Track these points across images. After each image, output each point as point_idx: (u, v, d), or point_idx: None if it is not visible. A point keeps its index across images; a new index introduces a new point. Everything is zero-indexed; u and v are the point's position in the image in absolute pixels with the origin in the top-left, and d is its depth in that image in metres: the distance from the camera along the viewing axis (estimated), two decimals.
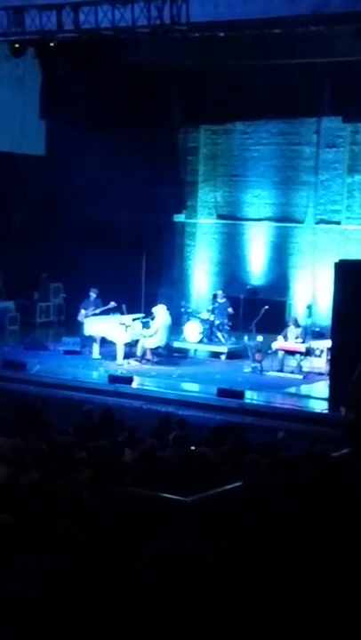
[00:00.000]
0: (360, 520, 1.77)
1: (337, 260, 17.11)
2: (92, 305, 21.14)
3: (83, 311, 21.12)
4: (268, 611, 1.79)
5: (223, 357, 20.93)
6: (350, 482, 1.71)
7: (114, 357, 20.05)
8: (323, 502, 1.79)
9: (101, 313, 20.96)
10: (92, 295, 21.25)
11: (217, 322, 21.29)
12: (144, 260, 24.07)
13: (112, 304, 20.82)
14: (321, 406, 16.53)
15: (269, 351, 19.54)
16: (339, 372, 15.44)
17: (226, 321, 21.38)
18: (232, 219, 24.50)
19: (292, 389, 18.11)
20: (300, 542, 1.81)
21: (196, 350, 21.55)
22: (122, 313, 20.72)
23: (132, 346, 20.38)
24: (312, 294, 22.84)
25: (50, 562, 4.46)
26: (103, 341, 20.54)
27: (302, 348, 19.32)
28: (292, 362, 19.33)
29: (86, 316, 20.95)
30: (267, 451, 10.55)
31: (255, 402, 17.12)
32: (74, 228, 24.47)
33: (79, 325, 21.12)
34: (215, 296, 22.15)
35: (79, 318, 21.15)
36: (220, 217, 24.76)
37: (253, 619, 1.75)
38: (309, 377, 18.90)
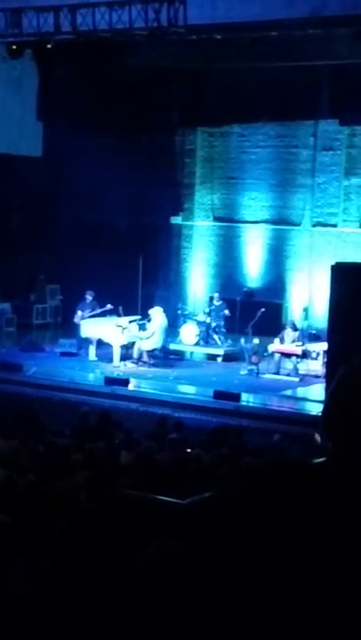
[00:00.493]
0: (341, 528, 1.76)
1: (333, 263, 17.12)
2: (89, 307, 21.13)
3: (79, 313, 21.12)
4: (261, 613, 1.79)
5: (220, 360, 20.92)
6: (332, 490, 1.71)
7: (110, 359, 20.04)
8: (304, 511, 1.78)
9: (98, 315, 20.96)
10: (89, 297, 21.26)
11: (213, 324, 21.29)
12: (141, 262, 24.05)
13: (108, 306, 20.82)
14: (317, 409, 16.52)
15: (266, 354, 19.54)
16: (335, 374, 15.43)
17: (222, 323, 21.39)
18: (229, 221, 24.51)
19: (289, 392, 18.11)
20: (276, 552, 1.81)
21: (192, 352, 21.56)
22: (118, 315, 20.71)
23: (128, 348, 20.37)
24: (309, 297, 22.85)
25: (46, 564, 4.45)
26: (100, 343, 20.53)
27: (299, 350, 19.33)
28: (288, 364, 19.33)
29: (82, 318, 20.95)
30: (263, 453, 10.56)
31: (251, 404, 17.12)
32: (71, 230, 24.48)
33: (76, 327, 21.12)
34: (212, 298, 22.15)
35: (75, 320, 21.15)
36: (216, 219, 24.77)
37: (249, 622, 1.75)
38: (306, 379, 18.90)
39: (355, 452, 1.91)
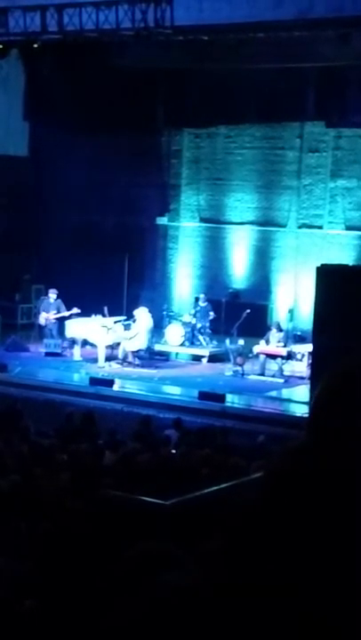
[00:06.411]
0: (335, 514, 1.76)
1: (319, 265, 17.15)
2: (53, 306, 20.93)
3: (43, 314, 20.95)
4: (254, 615, 1.78)
5: (205, 361, 20.93)
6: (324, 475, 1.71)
7: (95, 360, 20.01)
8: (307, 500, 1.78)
9: (66, 318, 20.76)
10: (52, 296, 21.09)
11: (199, 325, 21.31)
12: (127, 262, 24.03)
13: (75, 310, 20.61)
14: (302, 410, 16.54)
15: (251, 355, 19.56)
16: (320, 376, 15.45)
17: (208, 324, 21.40)
18: (215, 222, 24.50)
19: (273, 393, 18.13)
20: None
21: (177, 353, 21.55)
22: (104, 315, 20.68)
23: (113, 348, 20.35)
24: (294, 298, 22.87)
25: (29, 566, 4.44)
26: (85, 343, 20.50)
27: (284, 351, 19.35)
28: (273, 365, 19.35)
29: (47, 320, 20.82)
30: (247, 454, 10.57)
31: (236, 405, 17.13)
32: (56, 230, 24.42)
33: (53, 328, 20.97)
34: (197, 299, 22.16)
35: (40, 322, 21.07)
36: (202, 220, 24.77)
37: (241, 624, 1.74)
38: (290, 381, 18.93)
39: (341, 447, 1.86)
